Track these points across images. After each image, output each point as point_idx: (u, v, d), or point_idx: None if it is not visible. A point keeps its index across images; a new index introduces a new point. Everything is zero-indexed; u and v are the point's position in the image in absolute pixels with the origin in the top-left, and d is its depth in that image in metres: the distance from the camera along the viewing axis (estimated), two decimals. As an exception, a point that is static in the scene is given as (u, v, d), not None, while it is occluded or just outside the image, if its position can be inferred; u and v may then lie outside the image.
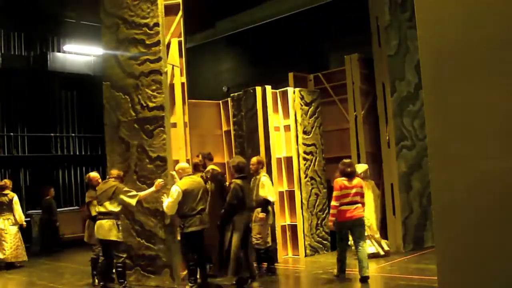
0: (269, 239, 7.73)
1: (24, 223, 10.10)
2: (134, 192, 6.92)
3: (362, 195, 7.07)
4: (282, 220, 9.02)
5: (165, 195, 6.90)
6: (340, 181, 6.93)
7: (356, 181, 7.02)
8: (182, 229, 6.76)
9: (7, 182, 10.10)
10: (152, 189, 6.94)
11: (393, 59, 9.01)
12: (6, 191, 9.87)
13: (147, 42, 7.33)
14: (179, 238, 7.06)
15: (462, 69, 2.87)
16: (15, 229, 9.81)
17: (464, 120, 2.83)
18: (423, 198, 9.03)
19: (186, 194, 6.69)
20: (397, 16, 9.17)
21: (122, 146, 7.65)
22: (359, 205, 6.95)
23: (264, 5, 12.11)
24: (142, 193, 6.97)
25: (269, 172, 8.70)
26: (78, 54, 14.97)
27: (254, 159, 7.83)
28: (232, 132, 9.57)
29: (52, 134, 15.21)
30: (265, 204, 7.49)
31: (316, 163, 9.33)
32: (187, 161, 7.84)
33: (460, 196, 2.85)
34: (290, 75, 10.28)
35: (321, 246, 9.23)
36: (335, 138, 10.25)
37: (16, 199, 9.92)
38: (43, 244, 11.96)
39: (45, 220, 11.92)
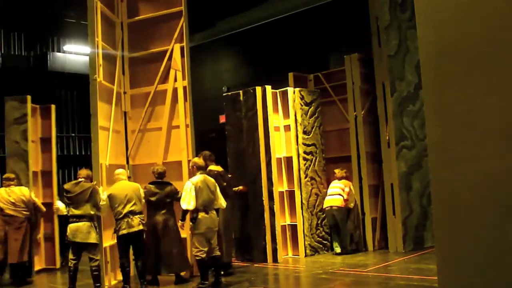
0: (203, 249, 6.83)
1: None
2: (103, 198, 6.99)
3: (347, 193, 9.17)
4: (282, 220, 9.03)
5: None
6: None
7: (343, 181, 9.18)
8: (116, 233, 6.98)
9: None
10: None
11: (393, 59, 9.02)
12: None
13: None
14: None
15: (462, 69, 2.87)
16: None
17: (464, 120, 2.83)
18: (423, 198, 9.03)
19: (111, 199, 6.93)
20: (397, 16, 9.18)
21: None
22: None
23: (264, 5, 12.12)
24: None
25: (269, 172, 8.71)
26: (78, 54, 14.96)
27: (191, 162, 7.39)
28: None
29: (52, 134, 15.19)
30: (183, 211, 6.95)
31: (316, 163, 9.34)
32: (189, 162, 7.83)
33: (460, 196, 2.84)
34: (290, 75, 10.26)
35: (321, 246, 9.23)
36: (335, 138, 10.25)
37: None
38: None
39: None
